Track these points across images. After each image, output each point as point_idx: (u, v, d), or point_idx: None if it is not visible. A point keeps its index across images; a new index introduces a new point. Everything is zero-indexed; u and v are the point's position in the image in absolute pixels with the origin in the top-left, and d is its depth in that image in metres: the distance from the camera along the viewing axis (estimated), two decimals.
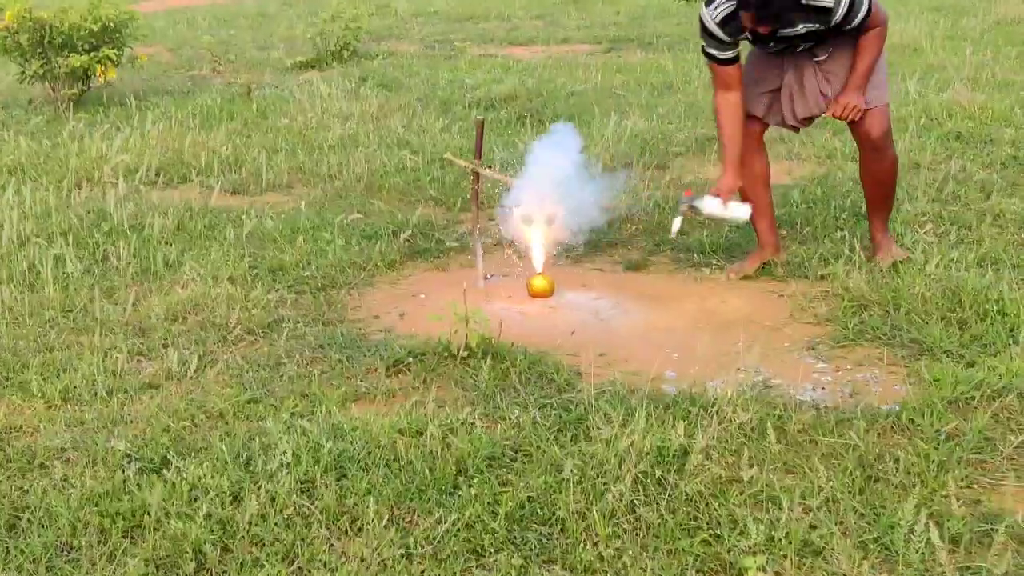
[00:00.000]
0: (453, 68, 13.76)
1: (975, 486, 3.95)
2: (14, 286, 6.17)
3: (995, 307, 5.31)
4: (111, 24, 11.98)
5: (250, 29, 19.05)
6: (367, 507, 3.81)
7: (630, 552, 3.58)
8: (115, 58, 11.98)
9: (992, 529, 3.61)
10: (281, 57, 15.46)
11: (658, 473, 3.96)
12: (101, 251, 6.83)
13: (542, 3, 21.10)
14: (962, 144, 8.71)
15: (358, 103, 11.18)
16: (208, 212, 7.66)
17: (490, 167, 6.97)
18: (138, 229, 7.19)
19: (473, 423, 4.43)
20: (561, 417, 4.47)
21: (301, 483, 4.03)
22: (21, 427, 4.64)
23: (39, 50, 11.77)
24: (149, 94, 12.41)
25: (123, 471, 4.15)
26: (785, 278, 6.10)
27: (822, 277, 6.02)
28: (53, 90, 11.97)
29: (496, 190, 7.29)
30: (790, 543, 3.56)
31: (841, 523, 3.69)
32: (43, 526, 3.84)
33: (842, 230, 6.61)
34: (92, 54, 11.76)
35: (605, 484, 3.91)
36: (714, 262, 6.45)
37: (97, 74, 11.96)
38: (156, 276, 6.39)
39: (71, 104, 11.64)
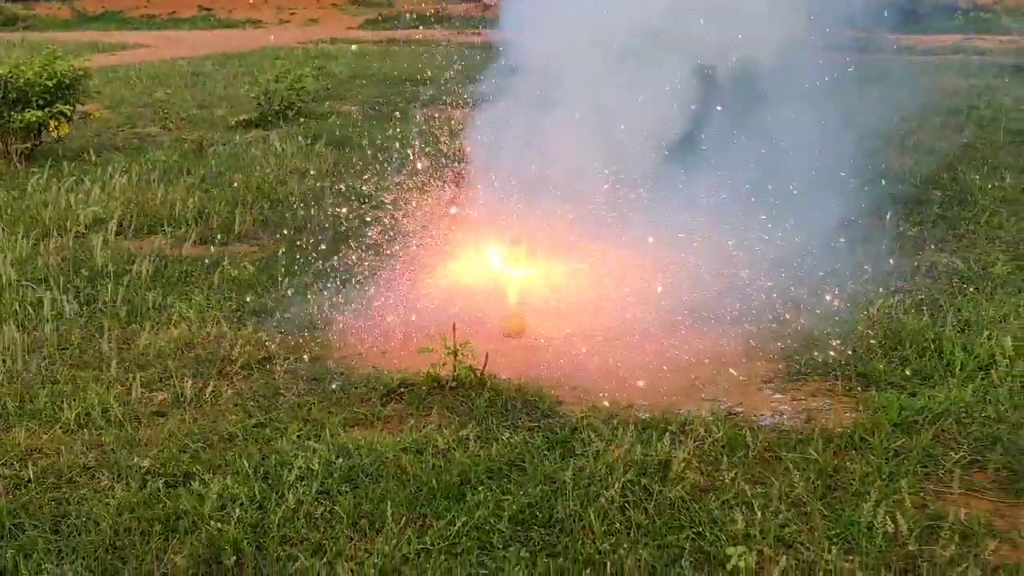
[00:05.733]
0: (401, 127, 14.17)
1: (922, 494, 4.49)
2: (8, 325, 6.45)
3: (932, 345, 5.93)
4: (65, 80, 12.24)
5: (187, 88, 19.26)
6: (384, 511, 4.24)
7: (624, 546, 4.05)
8: (68, 113, 12.22)
9: (938, 525, 4.15)
10: (224, 115, 15.78)
11: (644, 481, 4.45)
12: (85, 294, 7.15)
13: (479, 68, 21.64)
14: (894, 204, 9.36)
15: (313, 160, 11.59)
16: (183, 260, 8.01)
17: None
18: (120, 274, 7.51)
19: (469, 442, 4.86)
20: (549, 437, 4.94)
21: (319, 493, 4.45)
22: (42, 449, 4.99)
23: None
24: (100, 149, 12.67)
25: (151, 484, 4.53)
26: (739, 323, 6.58)
27: (772, 321, 6.54)
28: (5, 144, 12.15)
29: None
30: (765, 537, 4.05)
31: (808, 521, 4.20)
32: (87, 530, 4.21)
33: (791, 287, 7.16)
34: (46, 109, 11.98)
35: (597, 491, 4.39)
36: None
37: (51, 129, 12.18)
38: (146, 317, 6.73)
39: (23, 158, 11.87)
